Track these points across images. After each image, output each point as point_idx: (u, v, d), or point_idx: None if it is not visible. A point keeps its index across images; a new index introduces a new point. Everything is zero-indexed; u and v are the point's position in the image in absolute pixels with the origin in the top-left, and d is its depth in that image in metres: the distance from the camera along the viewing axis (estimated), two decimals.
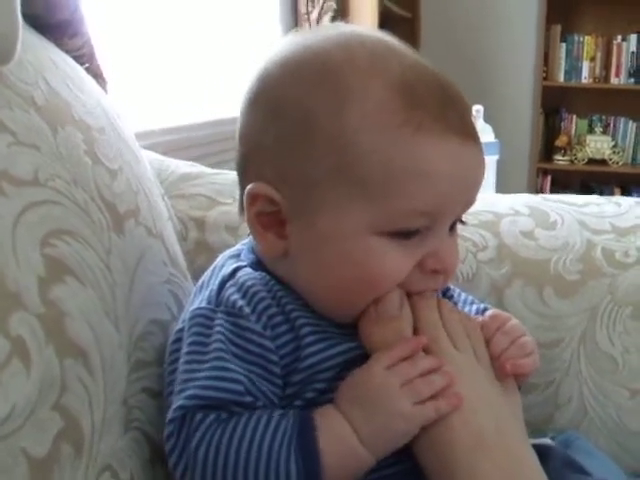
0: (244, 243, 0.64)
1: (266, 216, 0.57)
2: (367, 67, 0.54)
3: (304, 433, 0.51)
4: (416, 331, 0.57)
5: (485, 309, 0.66)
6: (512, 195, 0.91)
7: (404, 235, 0.54)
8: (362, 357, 0.56)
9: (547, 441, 0.70)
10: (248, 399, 0.53)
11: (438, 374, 0.54)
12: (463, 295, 0.69)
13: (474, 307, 0.67)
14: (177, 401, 0.53)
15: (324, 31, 0.60)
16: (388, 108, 0.53)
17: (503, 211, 0.85)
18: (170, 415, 0.53)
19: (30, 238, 0.50)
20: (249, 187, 0.57)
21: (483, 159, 0.57)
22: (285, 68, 0.57)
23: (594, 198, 0.90)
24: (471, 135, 0.56)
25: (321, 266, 0.56)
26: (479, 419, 0.54)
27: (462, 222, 0.60)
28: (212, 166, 0.99)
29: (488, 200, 0.89)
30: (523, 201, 0.88)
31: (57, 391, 0.47)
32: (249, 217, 0.58)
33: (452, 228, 0.59)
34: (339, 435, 0.52)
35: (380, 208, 0.53)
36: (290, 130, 0.55)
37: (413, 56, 0.57)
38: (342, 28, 0.60)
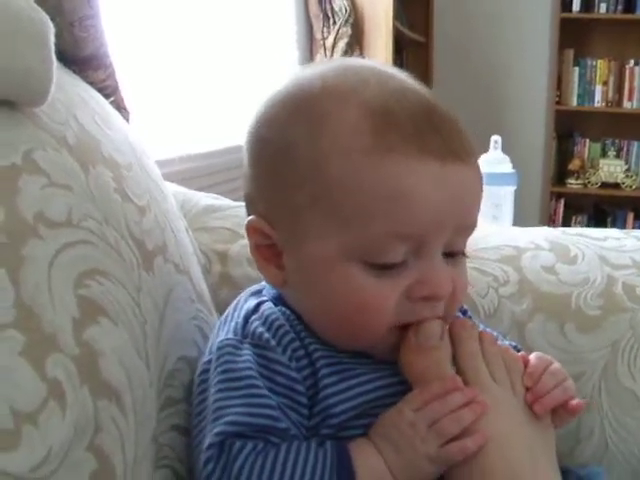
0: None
1: (265, 248, 0.59)
2: (343, 92, 0.55)
3: (342, 464, 0.52)
4: (455, 361, 0.57)
5: (516, 348, 0.67)
6: (531, 229, 0.91)
7: (387, 266, 0.54)
8: (386, 387, 0.57)
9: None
10: (283, 425, 0.54)
11: (469, 408, 0.54)
12: (488, 331, 0.69)
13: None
14: (215, 427, 0.53)
15: (324, 64, 0.61)
16: (358, 131, 0.53)
17: (524, 245, 0.86)
18: (209, 440, 0.53)
19: (64, 279, 0.51)
20: (246, 222, 0.59)
21: (475, 181, 0.56)
22: (272, 105, 0.58)
23: (614, 232, 0.90)
24: (457, 157, 0.54)
25: (311, 296, 0.57)
26: (515, 453, 0.54)
27: (463, 254, 0.59)
28: (223, 194, 1.00)
29: (508, 234, 0.89)
30: (543, 235, 0.88)
31: (91, 432, 0.48)
32: (251, 250, 0.60)
33: (453, 257, 0.57)
34: (374, 468, 0.53)
35: (357, 235, 0.53)
36: (275, 162, 0.57)
37: (403, 82, 0.57)
38: (341, 60, 0.61)
